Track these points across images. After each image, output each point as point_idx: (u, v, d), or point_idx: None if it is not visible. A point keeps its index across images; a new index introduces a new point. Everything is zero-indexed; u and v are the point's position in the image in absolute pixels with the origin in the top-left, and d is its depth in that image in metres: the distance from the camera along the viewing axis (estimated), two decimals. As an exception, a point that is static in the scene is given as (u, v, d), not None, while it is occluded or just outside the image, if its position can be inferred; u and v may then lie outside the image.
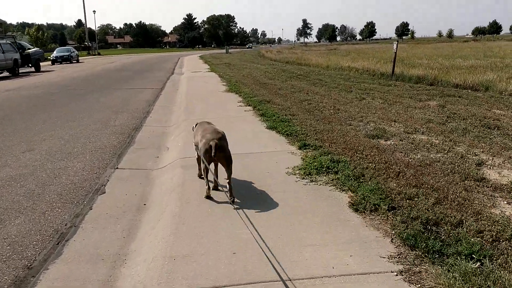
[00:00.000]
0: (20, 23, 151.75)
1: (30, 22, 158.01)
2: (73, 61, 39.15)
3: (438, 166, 4.67)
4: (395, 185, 4.03)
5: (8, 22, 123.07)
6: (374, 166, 4.59)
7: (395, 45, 17.96)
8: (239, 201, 3.97)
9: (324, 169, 4.64)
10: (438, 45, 63.19)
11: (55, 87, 16.33)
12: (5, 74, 24.27)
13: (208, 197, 4.04)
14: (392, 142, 5.92)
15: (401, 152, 5.32)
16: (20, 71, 26.25)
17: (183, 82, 17.55)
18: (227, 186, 3.96)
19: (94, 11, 69.84)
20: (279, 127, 7.06)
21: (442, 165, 4.69)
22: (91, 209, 4.14)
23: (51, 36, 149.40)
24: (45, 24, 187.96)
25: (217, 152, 3.82)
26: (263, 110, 8.91)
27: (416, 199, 3.65)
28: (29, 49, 34.06)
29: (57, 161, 5.85)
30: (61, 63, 37.67)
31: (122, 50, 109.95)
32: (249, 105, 10.05)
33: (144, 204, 4.25)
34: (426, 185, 3.97)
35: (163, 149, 6.53)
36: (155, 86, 16.06)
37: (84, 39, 68.15)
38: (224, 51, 66.11)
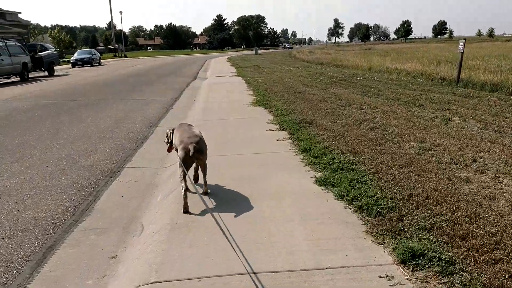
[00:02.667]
0: (54, 25, 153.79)
1: (64, 24, 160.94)
2: (95, 64, 37.13)
3: None
4: None
5: (43, 24, 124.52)
6: None
7: (461, 44, 14.48)
8: None
9: None
10: (481, 44, 57.80)
11: (53, 97, 13.82)
12: (14, 79, 22.20)
13: (186, 211, 3.65)
14: None
15: None
16: (31, 76, 24.20)
17: (203, 90, 14.73)
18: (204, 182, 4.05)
19: (120, 12, 68.64)
20: (340, 185, 4.04)
21: None
22: None
23: (83, 38, 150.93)
24: (78, 26, 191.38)
25: (195, 154, 3.72)
26: (306, 141, 5.91)
27: None
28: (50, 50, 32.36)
29: None
30: (82, 66, 35.74)
31: (152, 52, 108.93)
32: (283, 129, 7.08)
33: None
34: None
35: (133, 231, 3.61)
36: (169, 96, 13.30)
37: (111, 41, 66.80)
38: (253, 52, 63.22)
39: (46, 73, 25.24)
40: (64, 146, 6.75)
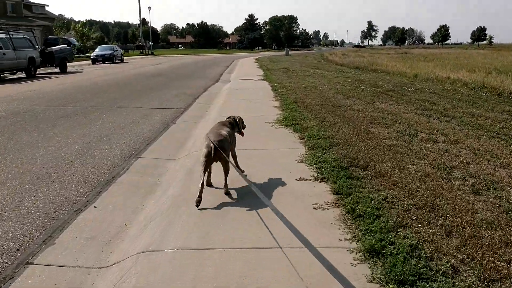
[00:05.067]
0: (88, 20, 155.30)
1: (98, 19, 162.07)
2: (116, 61, 35.29)
3: None
4: None
5: (77, 19, 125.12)
6: None
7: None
8: None
9: None
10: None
11: (40, 100, 11.57)
12: (20, 75, 20.34)
13: (199, 203, 3.76)
14: None
15: None
16: (41, 72, 22.33)
17: (221, 97, 12.21)
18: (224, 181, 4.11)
19: (149, 8, 66.40)
20: None
21: None
22: None
23: (116, 34, 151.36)
24: (112, 22, 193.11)
25: (217, 153, 3.86)
26: (369, 220, 3.29)
27: None
28: (75, 45, 30.65)
29: None
30: (103, 63, 33.93)
31: (182, 50, 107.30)
32: (322, 178, 4.43)
33: None
34: None
35: None
36: (178, 104, 10.84)
37: (138, 38, 65.12)
38: (284, 53, 60.45)
39: (57, 69, 23.36)
40: (-23, 194, 4.30)
